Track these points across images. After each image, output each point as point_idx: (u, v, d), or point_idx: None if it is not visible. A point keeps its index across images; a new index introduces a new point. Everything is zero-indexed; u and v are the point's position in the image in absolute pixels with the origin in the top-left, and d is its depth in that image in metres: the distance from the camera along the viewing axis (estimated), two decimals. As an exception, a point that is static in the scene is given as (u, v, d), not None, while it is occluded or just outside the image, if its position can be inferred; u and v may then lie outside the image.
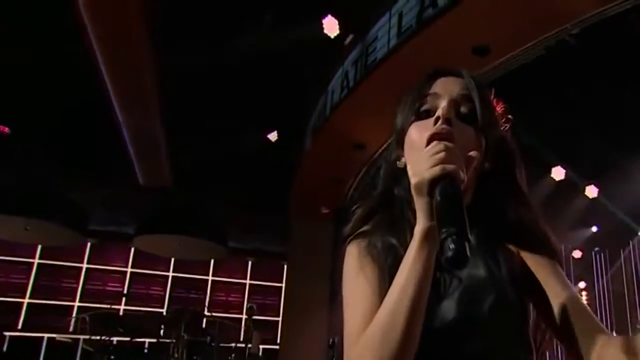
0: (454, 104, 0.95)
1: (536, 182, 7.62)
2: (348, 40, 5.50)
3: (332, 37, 5.15)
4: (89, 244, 7.81)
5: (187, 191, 7.18)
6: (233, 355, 6.96)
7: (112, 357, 6.23)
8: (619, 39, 4.98)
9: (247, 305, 4.58)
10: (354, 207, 1.04)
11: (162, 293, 8.15)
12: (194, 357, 6.56)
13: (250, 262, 8.76)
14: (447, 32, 4.19)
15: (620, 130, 6.73)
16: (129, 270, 7.99)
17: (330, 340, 4.19)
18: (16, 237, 6.55)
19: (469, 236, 0.71)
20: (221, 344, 6.89)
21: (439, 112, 0.91)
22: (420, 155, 0.82)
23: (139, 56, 4.91)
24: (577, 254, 10.47)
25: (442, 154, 0.79)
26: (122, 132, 6.16)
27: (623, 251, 10.17)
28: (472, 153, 0.90)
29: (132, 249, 7.87)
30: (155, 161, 6.70)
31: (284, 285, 8.06)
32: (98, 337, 6.11)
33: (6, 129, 6.27)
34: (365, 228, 1.00)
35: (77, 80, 5.64)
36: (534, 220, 1.05)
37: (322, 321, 7.02)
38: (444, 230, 0.72)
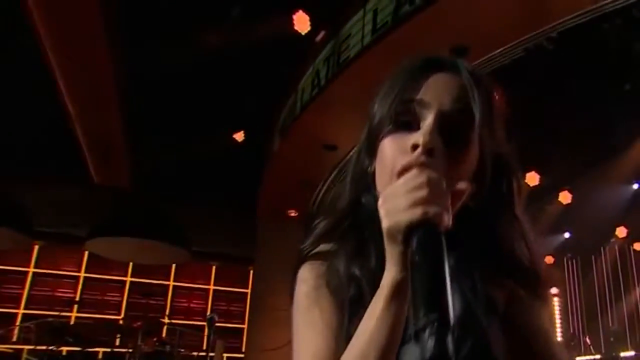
0: (442, 120, 0.74)
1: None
2: (319, 37, 5.38)
3: (303, 33, 5.02)
4: (36, 247, 7.44)
5: (146, 191, 6.93)
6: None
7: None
8: (594, 44, 5.02)
9: (207, 315, 4.36)
10: (316, 221, 0.90)
11: (119, 299, 7.87)
12: (154, 368, 6.35)
13: (214, 267, 8.55)
14: (425, 31, 4.12)
15: (595, 137, 6.82)
16: (82, 275, 7.67)
17: None
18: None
19: (451, 324, 0.57)
20: (182, 353, 6.69)
21: (418, 139, 0.71)
22: (396, 186, 0.66)
23: (92, 49, 4.70)
24: (549, 259, 10.62)
25: (423, 192, 0.63)
26: (73, 126, 5.90)
27: (595, 257, 10.35)
28: (461, 185, 0.71)
29: (86, 252, 7.56)
30: (111, 159, 6.45)
31: (249, 290, 7.88)
32: (44, 347, 5.85)
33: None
34: (325, 247, 0.86)
35: (25, 70, 5.37)
36: (527, 255, 0.88)
37: (290, 329, 6.85)
38: (421, 314, 0.58)
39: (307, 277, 0.85)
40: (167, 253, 6.88)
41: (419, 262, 0.61)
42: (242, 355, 7.60)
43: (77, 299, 7.35)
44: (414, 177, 0.65)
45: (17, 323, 6.82)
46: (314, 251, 0.86)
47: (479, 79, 0.81)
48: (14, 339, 7.10)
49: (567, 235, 9.76)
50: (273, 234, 7.15)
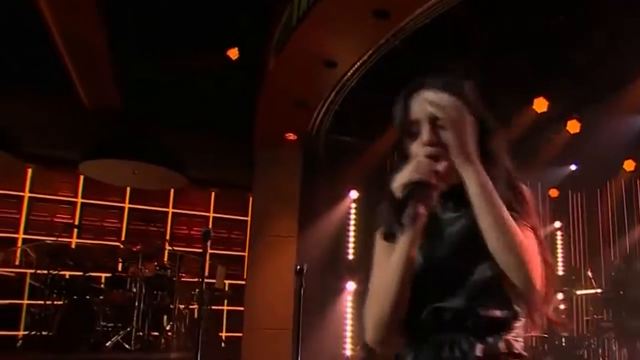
0: (431, 124, 1.21)
1: (516, 112, 7.42)
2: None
3: None
4: (30, 171, 7.32)
5: (139, 113, 6.73)
6: (197, 290, 6.81)
7: (64, 292, 5.98)
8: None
9: (204, 229, 4.25)
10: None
11: (118, 225, 7.84)
12: (155, 292, 6.37)
13: (213, 194, 8.47)
14: None
15: (606, 64, 6.51)
16: (79, 200, 7.60)
17: (298, 267, 3.98)
18: None
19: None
20: (183, 278, 6.71)
21: (423, 141, 1.21)
22: (404, 169, 1.17)
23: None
24: (553, 192, 10.47)
25: (416, 166, 1.16)
26: (54, 38, 5.61)
27: (601, 191, 10.19)
28: (448, 165, 1.17)
29: (82, 178, 7.46)
30: (98, 77, 6.21)
31: (249, 217, 7.82)
32: (45, 271, 5.84)
33: None
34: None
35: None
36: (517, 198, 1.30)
37: (289, 254, 6.87)
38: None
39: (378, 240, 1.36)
40: (162, 177, 6.80)
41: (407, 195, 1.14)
42: (243, 282, 7.62)
43: (77, 224, 7.30)
44: (415, 161, 1.19)
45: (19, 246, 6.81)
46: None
47: (450, 85, 1.26)
48: (17, 262, 7.12)
49: (573, 167, 9.55)
50: (271, 159, 7.00)
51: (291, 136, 6.78)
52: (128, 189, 7.84)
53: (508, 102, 7.19)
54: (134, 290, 5.89)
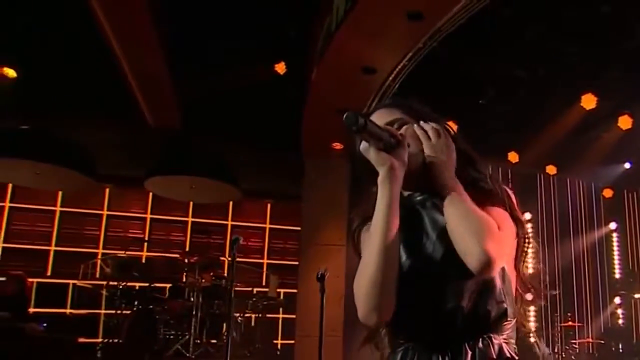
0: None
1: (563, 110, 6.79)
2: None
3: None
4: (107, 190, 7.45)
5: (196, 130, 6.68)
6: (254, 299, 6.61)
7: (132, 302, 5.94)
8: None
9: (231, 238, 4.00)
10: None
11: (183, 238, 7.79)
12: (214, 302, 6.19)
13: (269, 205, 8.28)
14: None
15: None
16: (149, 216, 7.62)
17: (319, 273, 3.67)
18: (28, 182, 6.24)
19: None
20: (239, 287, 6.50)
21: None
22: None
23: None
24: (607, 192, 9.59)
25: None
26: (121, 67, 5.66)
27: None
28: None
29: (150, 195, 7.48)
30: (161, 99, 6.21)
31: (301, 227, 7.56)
32: (116, 283, 5.85)
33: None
34: None
35: (75, 24, 5.17)
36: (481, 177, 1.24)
37: (339, 262, 6.53)
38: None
39: None
40: (218, 191, 6.68)
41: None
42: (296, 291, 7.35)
43: (147, 238, 7.32)
44: None
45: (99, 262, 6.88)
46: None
47: (403, 103, 1.32)
48: (97, 275, 7.20)
49: (627, 165, 8.68)
50: (320, 168, 6.73)
51: (338, 145, 6.49)
52: (191, 203, 7.80)
53: (555, 99, 6.63)
54: (192, 299, 5.73)
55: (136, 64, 5.68)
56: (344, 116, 1.05)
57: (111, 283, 6.02)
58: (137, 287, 6.24)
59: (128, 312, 5.86)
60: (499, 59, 5.91)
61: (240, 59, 6.19)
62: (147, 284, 6.08)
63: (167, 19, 5.43)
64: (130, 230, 7.48)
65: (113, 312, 6.05)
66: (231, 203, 7.95)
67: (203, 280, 5.96)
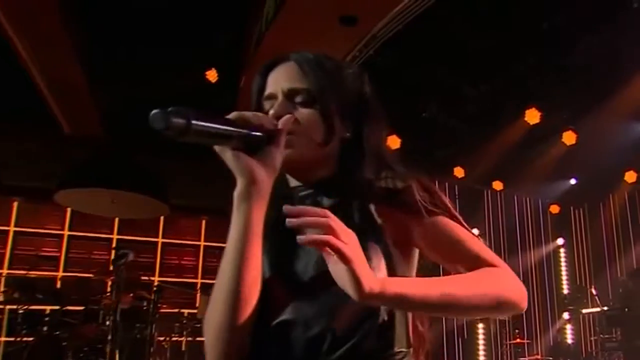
0: (288, 100, 0.96)
1: (508, 126, 6.70)
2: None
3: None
4: (15, 204, 6.76)
5: (121, 140, 6.17)
6: (184, 322, 6.14)
7: (35, 327, 5.37)
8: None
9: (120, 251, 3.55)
10: None
11: (107, 257, 7.19)
12: (134, 325, 5.71)
13: (204, 222, 7.81)
14: None
15: (600, 68, 5.79)
16: (66, 233, 6.99)
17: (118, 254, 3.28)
18: None
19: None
20: (163, 310, 6.01)
21: (272, 113, 0.94)
22: None
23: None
24: (554, 208, 9.65)
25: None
26: (30, 71, 5.13)
27: (603, 205, 9.34)
28: (304, 141, 0.95)
29: (69, 210, 6.87)
30: (76, 103, 5.68)
31: (234, 244, 7.11)
32: (15, 306, 5.28)
33: None
34: None
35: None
36: (403, 186, 0.97)
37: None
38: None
39: None
40: (143, 206, 6.14)
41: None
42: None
43: (62, 257, 6.70)
44: None
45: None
46: None
47: (309, 58, 1.02)
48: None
49: (572, 181, 8.73)
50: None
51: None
52: (116, 219, 7.22)
53: (500, 113, 6.53)
54: (107, 323, 5.20)
55: (46, 65, 5.16)
56: (150, 117, 0.74)
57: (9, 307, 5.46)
58: (47, 311, 5.68)
59: (31, 338, 5.30)
60: (442, 72, 5.73)
61: (170, 64, 5.78)
62: (58, 307, 5.54)
63: (82, 19, 4.99)
64: (44, 249, 6.82)
65: (12, 339, 5.48)
66: (162, 219, 7.43)
67: (121, 302, 5.46)
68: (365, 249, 0.82)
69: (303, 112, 0.95)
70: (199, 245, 7.74)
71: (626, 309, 6.98)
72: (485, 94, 6.08)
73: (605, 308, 7.27)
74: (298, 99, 0.96)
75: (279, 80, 1.00)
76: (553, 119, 6.69)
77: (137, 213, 6.46)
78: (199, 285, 7.50)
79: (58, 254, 6.85)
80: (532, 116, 6.47)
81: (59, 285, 6.44)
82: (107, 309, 5.35)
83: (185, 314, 6.62)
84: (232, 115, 0.86)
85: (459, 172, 7.82)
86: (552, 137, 7.09)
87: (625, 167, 8.05)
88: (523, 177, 7.97)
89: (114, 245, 7.20)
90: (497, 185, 8.65)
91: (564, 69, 5.85)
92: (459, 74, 5.86)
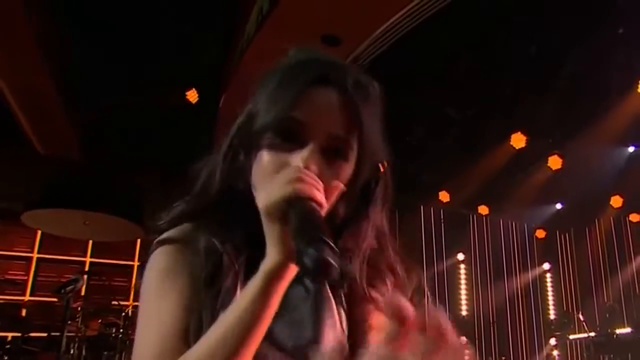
0: (324, 144, 0.75)
1: (494, 150, 6.63)
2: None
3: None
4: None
5: (94, 161, 5.97)
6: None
7: (1, 355, 5.10)
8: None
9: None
10: (176, 204, 0.85)
11: (79, 281, 6.90)
12: (102, 353, 5.45)
13: (182, 245, 7.56)
14: None
15: (585, 93, 5.77)
16: (35, 255, 6.71)
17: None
18: None
19: (333, 245, 0.59)
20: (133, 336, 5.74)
21: (299, 161, 0.72)
22: (273, 178, 0.69)
23: None
24: (540, 233, 9.58)
25: (296, 173, 0.68)
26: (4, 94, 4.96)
27: (589, 230, 9.30)
28: (335, 183, 0.75)
29: (39, 232, 6.60)
30: (51, 124, 5.49)
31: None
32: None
33: None
34: (185, 228, 0.80)
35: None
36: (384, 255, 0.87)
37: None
38: (300, 240, 0.61)
39: (159, 257, 0.79)
40: (117, 228, 5.93)
41: (296, 219, 0.63)
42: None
43: (30, 280, 6.40)
44: (287, 170, 0.69)
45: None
46: (171, 234, 0.80)
47: (364, 88, 0.80)
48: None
49: (558, 206, 8.68)
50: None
51: (254, 180, 5.95)
52: (90, 242, 6.96)
53: (486, 138, 6.47)
54: (72, 352, 4.93)
55: (19, 84, 4.98)
56: (321, 267, 0.60)
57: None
58: (9, 338, 5.40)
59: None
60: (427, 95, 5.66)
61: (150, 85, 5.64)
62: (20, 334, 5.25)
63: (58, 39, 4.85)
64: (10, 272, 6.52)
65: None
66: (139, 242, 7.18)
67: (87, 329, 5.21)
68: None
69: (340, 166, 0.76)
70: (176, 269, 7.48)
71: (615, 335, 6.87)
72: (471, 118, 6.02)
73: (593, 334, 7.15)
74: (335, 146, 0.76)
75: (323, 113, 0.76)
76: (539, 143, 6.64)
77: (111, 235, 6.23)
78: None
79: (25, 278, 6.55)
80: (518, 140, 6.42)
81: (24, 310, 6.13)
82: (72, 337, 5.09)
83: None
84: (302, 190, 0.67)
85: (444, 196, 7.72)
86: (538, 162, 7.03)
87: (611, 192, 8.02)
88: (509, 202, 7.90)
89: (86, 268, 6.94)
90: (483, 209, 8.57)
91: (550, 94, 5.81)
92: (444, 98, 5.79)
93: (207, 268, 0.74)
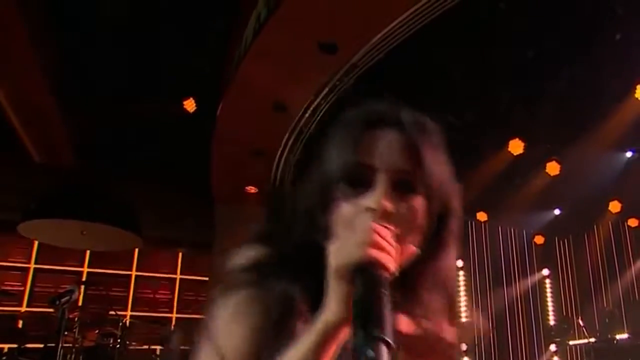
0: (391, 182, 0.77)
1: (492, 156, 6.63)
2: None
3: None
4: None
5: (94, 170, 5.94)
6: (158, 358, 5.83)
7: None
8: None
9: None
10: (250, 243, 0.84)
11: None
12: (100, 363, 5.39)
13: (180, 254, 7.53)
14: None
15: (582, 99, 5.79)
16: (32, 266, 6.66)
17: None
18: None
19: (391, 343, 0.59)
20: (132, 347, 5.70)
21: (371, 203, 0.74)
22: (348, 235, 0.68)
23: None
24: (539, 239, 9.58)
25: (371, 236, 0.66)
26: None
27: (588, 235, 9.30)
28: (410, 248, 0.75)
29: (36, 242, 6.56)
30: (47, 133, 5.47)
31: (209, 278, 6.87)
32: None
33: None
34: (260, 271, 0.79)
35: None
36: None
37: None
38: (361, 330, 0.59)
39: (235, 299, 0.77)
40: (115, 238, 5.89)
41: (363, 292, 0.62)
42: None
43: (27, 292, 6.36)
44: (363, 225, 0.69)
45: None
46: (247, 276, 0.79)
47: (420, 124, 0.83)
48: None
49: (557, 211, 8.68)
50: (232, 214, 6.13)
51: (252, 189, 5.93)
52: (87, 252, 6.92)
53: (483, 144, 6.47)
54: (68, 362, 4.88)
55: (15, 93, 4.97)
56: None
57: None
58: (5, 349, 5.34)
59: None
60: (425, 101, 5.66)
61: (147, 94, 5.63)
62: (16, 345, 5.21)
63: (54, 48, 4.84)
64: (6, 282, 6.47)
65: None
66: (136, 252, 7.15)
67: (84, 340, 5.16)
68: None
69: (405, 205, 0.77)
70: (175, 279, 7.44)
71: (615, 341, 6.86)
72: (469, 124, 6.02)
73: (593, 340, 7.13)
74: (403, 183, 0.78)
75: (385, 152, 0.79)
76: (537, 149, 6.65)
77: (108, 245, 6.19)
78: (173, 320, 7.19)
79: (22, 288, 6.50)
80: (516, 146, 6.43)
81: (20, 321, 6.08)
82: (69, 347, 5.04)
83: (157, 351, 6.29)
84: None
85: (442, 202, 7.69)
86: (536, 168, 7.04)
87: (610, 197, 8.03)
88: (507, 208, 7.89)
89: (84, 278, 6.90)
90: (481, 216, 8.56)
91: (548, 100, 5.82)
92: (441, 104, 5.79)
93: (279, 312, 0.75)
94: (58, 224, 5.51)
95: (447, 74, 5.38)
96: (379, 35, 4.02)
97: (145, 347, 5.75)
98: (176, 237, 7.05)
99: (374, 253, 0.65)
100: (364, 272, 0.64)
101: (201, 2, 4.72)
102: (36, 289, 6.61)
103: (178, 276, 7.47)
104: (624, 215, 8.45)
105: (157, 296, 7.29)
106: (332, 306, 0.67)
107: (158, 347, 6.38)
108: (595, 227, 9.16)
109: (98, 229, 5.69)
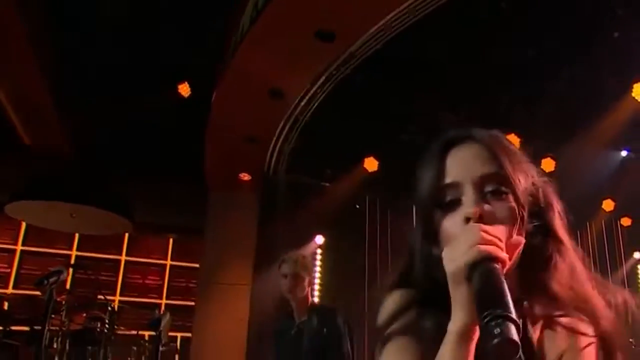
0: (478, 190, 0.82)
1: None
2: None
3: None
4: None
5: (83, 154, 5.90)
6: (147, 344, 5.83)
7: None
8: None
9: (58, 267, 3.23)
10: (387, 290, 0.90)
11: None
12: (86, 348, 5.40)
13: (171, 240, 7.52)
14: None
15: (579, 97, 5.80)
16: (19, 248, 6.63)
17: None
18: None
19: (516, 319, 0.62)
20: (120, 332, 5.70)
21: (466, 212, 0.80)
22: (455, 246, 0.73)
23: None
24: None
25: (477, 236, 0.71)
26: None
27: (580, 234, 9.34)
28: (514, 239, 0.80)
29: (23, 224, 6.52)
30: (41, 118, 5.42)
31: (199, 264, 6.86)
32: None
33: None
34: (406, 321, 0.84)
35: None
36: (578, 292, 0.89)
37: (242, 304, 5.92)
38: (485, 314, 0.62)
39: (394, 352, 0.83)
40: (105, 221, 5.88)
41: (480, 284, 0.67)
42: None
43: (13, 274, 6.33)
44: (468, 229, 0.74)
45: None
46: (400, 326, 0.84)
47: (491, 135, 0.90)
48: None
49: (550, 209, 8.73)
50: (225, 201, 6.13)
51: (245, 176, 5.92)
52: (77, 235, 6.90)
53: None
54: (55, 346, 4.88)
55: (5, 73, 4.91)
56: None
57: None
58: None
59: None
60: (421, 95, 5.65)
61: (143, 78, 5.58)
62: (1, 328, 5.17)
63: (49, 33, 4.78)
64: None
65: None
66: (127, 237, 7.13)
67: (71, 323, 5.15)
68: None
69: (497, 206, 0.81)
70: (165, 265, 7.44)
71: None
72: (464, 119, 6.01)
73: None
74: (489, 187, 0.82)
75: (466, 165, 0.84)
76: (532, 146, 6.65)
77: (98, 229, 6.18)
78: (162, 306, 7.20)
79: (8, 270, 6.47)
80: (512, 142, 6.42)
81: (5, 304, 6.06)
82: (55, 331, 5.03)
83: (146, 337, 6.30)
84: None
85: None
86: (531, 164, 7.05)
87: (604, 195, 8.07)
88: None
89: (72, 262, 6.88)
90: (476, 211, 8.58)
91: (544, 96, 5.83)
92: (437, 99, 5.79)
93: (433, 354, 0.76)
94: (47, 205, 5.49)
95: (444, 68, 5.37)
96: (376, 26, 4.00)
97: (134, 332, 5.75)
98: (167, 223, 7.03)
99: (483, 248, 0.69)
100: (479, 267, 0.68)
101: (201, 2, 4.68)
102: (22, 272, 6.59)
103: (168, 262, 7.47)
104: (617, 213, 8.51)
105: (147, 282, 7.29)
106: (458, 313, 0.71)
107: (147, 333, 6.40)
108: (588, 225, 9.20)
109: (87, 212, 5.68)
